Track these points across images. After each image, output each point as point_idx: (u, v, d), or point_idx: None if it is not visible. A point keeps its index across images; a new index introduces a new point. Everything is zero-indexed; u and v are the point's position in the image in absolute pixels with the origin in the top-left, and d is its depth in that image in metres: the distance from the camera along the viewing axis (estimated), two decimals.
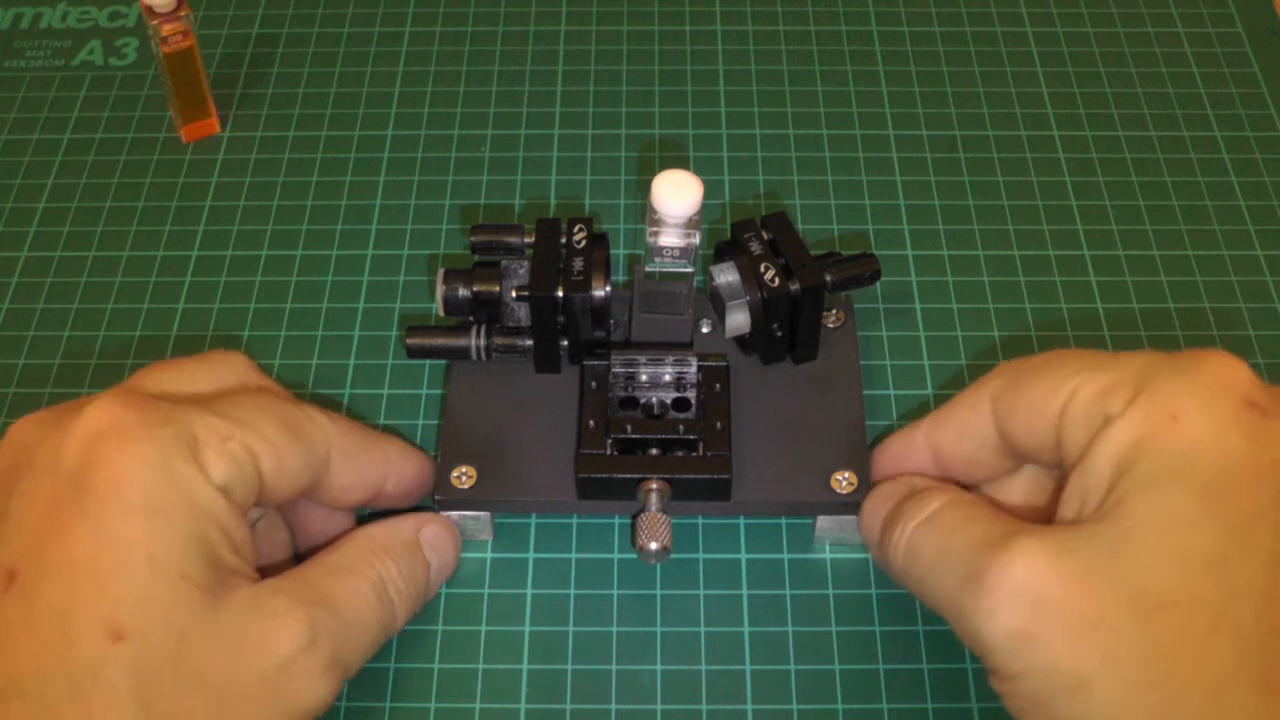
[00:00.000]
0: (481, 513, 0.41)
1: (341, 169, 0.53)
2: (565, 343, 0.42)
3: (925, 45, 0.57)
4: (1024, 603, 0.31)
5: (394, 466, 0.39)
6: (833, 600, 0.40)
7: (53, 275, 0.49)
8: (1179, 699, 0.29)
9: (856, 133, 0.54)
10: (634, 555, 0.41)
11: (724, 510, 0.41)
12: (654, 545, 0.38)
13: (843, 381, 0.42)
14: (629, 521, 0.42)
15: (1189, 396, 0.32)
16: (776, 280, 0.41)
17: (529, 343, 0.42)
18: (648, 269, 0.41)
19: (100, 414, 0.32)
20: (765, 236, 0.42)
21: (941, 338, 0.47)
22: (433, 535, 0.39)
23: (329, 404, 0.45)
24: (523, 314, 0.42)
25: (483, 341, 0.42)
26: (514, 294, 0.41)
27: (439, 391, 0.45)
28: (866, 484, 0.40)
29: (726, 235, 0.43)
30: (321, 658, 0.33)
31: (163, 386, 0.35)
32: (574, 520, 0.42)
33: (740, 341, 0.43)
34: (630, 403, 0.41)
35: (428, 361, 0.46)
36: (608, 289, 0.41)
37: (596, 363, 0.41)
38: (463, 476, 0.40)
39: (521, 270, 0.42)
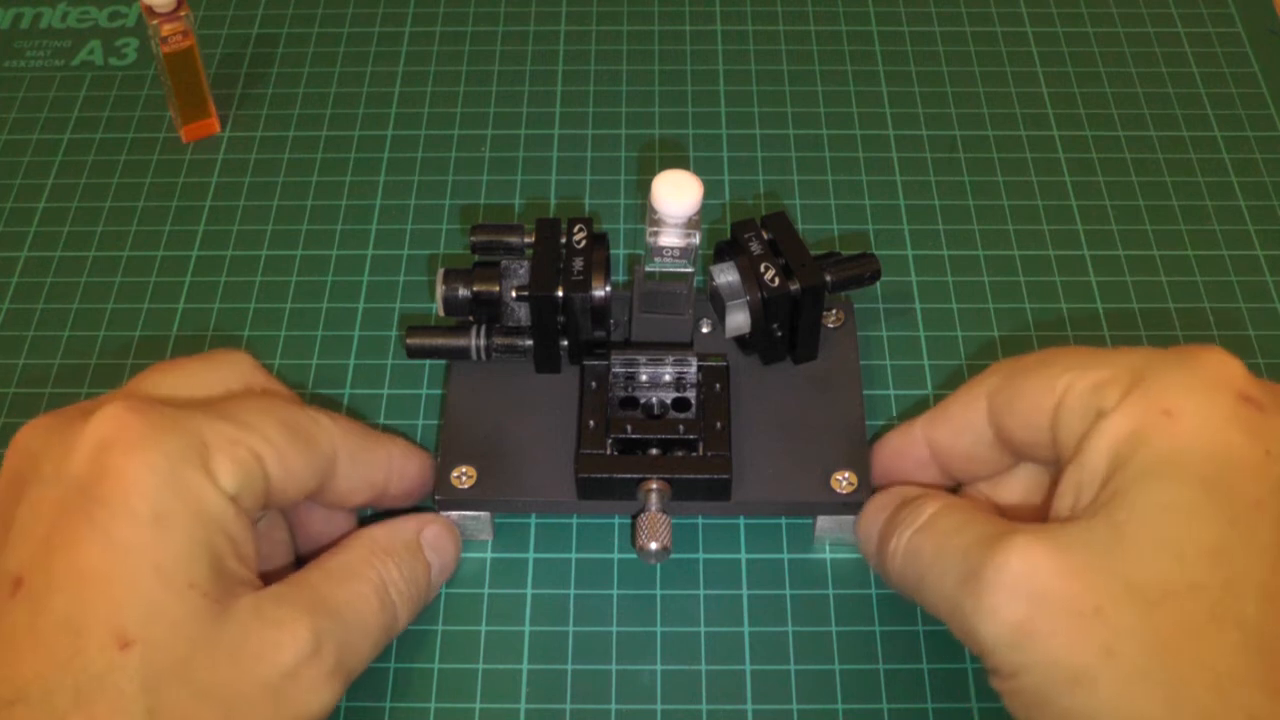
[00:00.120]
0: (481, 513, 0.41)
1: (341, 169, 0.53)
2: (565, 343, 0.42)
3: (925, 45, 0.57)
4: (1021, 598, 0.31)
5: (397, 467, 0.39)
6: (833, 600, 0.40)
7: (53, 275, 0.49)
8: (1180, 690, 0.29)
9: (856, 133, 0.54)
10: (634, 555, 0.41)
11: (724, 510, 0.41)
12: (654, 545, 0.38)
13: (843, 381, 0.42)
14: (629, 521, 0.42)
15: (1184, 391, 0.32)
16: (776, 280, 0.41)
17: (529, 343, 0.42)
18: (648, 269, 0.41)
19: (108, 422, 0.32)
20: (765, 236, 0.42)
21: (941, 338, 0.47)
22: (433, 536, 0.39)
23: (329, 404, 0.45)
24: (523, 314, 0.42)
25: (483, 341, 0.42)
26: (514, 294, 0.41)
27: (439, 391, 0.45)
28: (867, 484, 0.40)
29: (726, 235, 0.43)
30: (325, 664, 0.33)
31: (167, 389, 0.35)
32: (574, 520, 0.42)
33: (740, 341, 0.43)
34: (630, 403, 0.41)
35: (428, 361, 0.46)
36: (608, 289, 0.41)
37: (596, 363, 0.41)
38: (463, 476, 0.40)
39: (521, 270, 0.42)
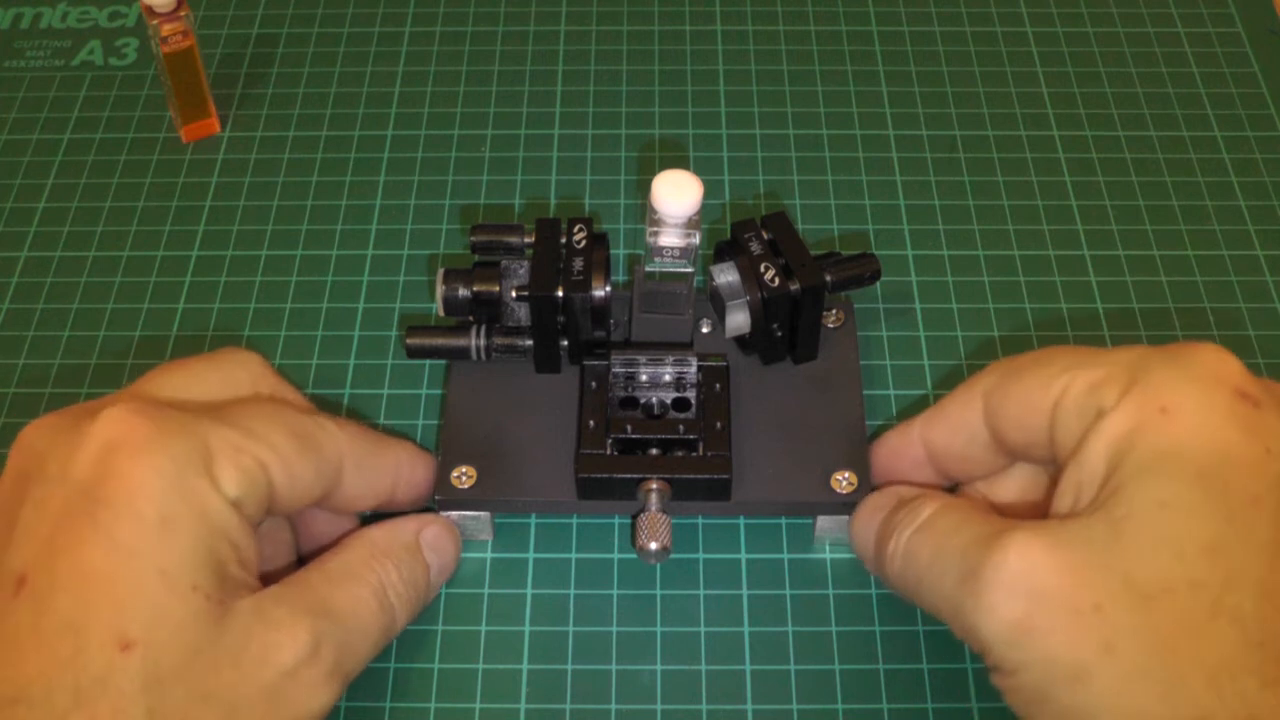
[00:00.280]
0: (481, 513, 0.41)
1: (341, 169, 0.53)
2: (565, 343, 0.42)
3: (925, 45, 0.57)
4: (1020, 594, 0.31)
5: (404, 474, 0.39)
6: (833, 600, 0.40)
7: (53, 275, 0.49)
8: (1178, 686, 0.29)
9: (856, 133, 0.54)
10: (634, 555, 0.41)
11: (724, 510, 0.41)
12: (654, 545, 0.38)
13: (843, 381, 0.42)
14: (629, 521, 0.42)
15: (1181, 388, 0.32)
16: (776, 280, 0.41)
17: (529, 343, 0.42)
18: (648, 269, 0.41)
19: (113, 424, 0.32)
20: (765, 236, 0.42)
21: (941, 338, 0.47)
22: (433, 537, 0.39)
23: (329, 404, 0.45)
24: (523, 314, 0.42)
25: (483, 341, 0.42)
26: (514, 294, 0.41)
27: (439, 391, 0.45)
28: (867, 484, 0.40)
29: (726, 235, 0.43)
30: (324, 666, 0.33)
31: (174, 390, 0.35)
32: (574, 520, 0.42)
33: (740, 341, 0.43)
34: (630, 403, 0.41)
35: (428, 361, 0.46)
36: (608, 289, 0.41)
37: (596, 363, 0.41)
38: (463, 476, 0.40)
39: (521, 270, 0.42)
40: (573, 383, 0.42)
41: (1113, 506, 0.31)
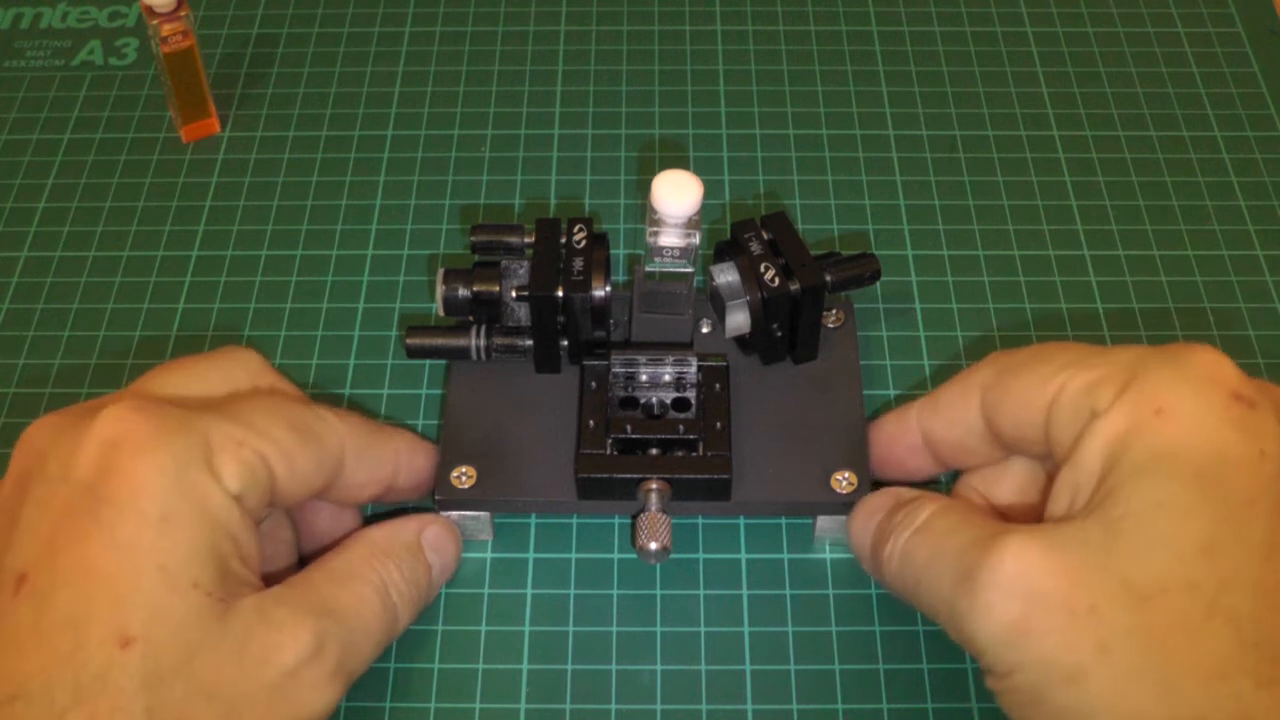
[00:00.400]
0: (481, 513, 0.41)
1: (341, 169, 0.53)
2: (565, 343, 0.42)
3: (925, 45, 0.57)
4: (1015, 596, 0.31)
5: (405, 461, 0.39)
6: (833, 600, 0.40)
7: (53, 275, 0.49)
8: (1174, 687, 0.30)
9: (856, 133, 0.54)
10: (634, 555, 0.41)
11: (724, 510, 0.41)
12: (654, 545, 0.38)
13: (843, 381, 0.42)
14: (629, 521, 0.42)
15: (1176, 389, 0.32)
16: (776, 280, 0.41)
17: (529, 343, 0.42)
18: (648, 269, 0.41)
19: (115, 422, 0.32)
20: (765, 236, 0.42)
21: (941, 338, 0.47)
22: (434, 536, 0.39)
23: (329, 404, 0.45)
24: (523, 314, 0.42)
25: (483, 341, 0.42)
26: (514, 294, 0.41)
27: (439, 391, 0.45)
28: (867, 484, 0.40)
29: (726, 235, 0.43)
30: (327, 666, 0.33)
31: (174, 389, 0.35)
32: (574, 520, 0.42)
33: (740, 341, 0.43)
34: (630, 403, 0.41)
35: (428, 361, 0.46)
36: (608, 289, 0.41)
37: (596, 363, 0.41)
38: (463, 476, 0.40)
39: (521, 270, 0.42)
40: (573, 383, 0.42)
41: (1109, 507, 0.31)
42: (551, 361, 0.42)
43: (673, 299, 0.42)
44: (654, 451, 0.40)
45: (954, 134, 0.54)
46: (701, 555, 0.41)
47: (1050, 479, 0.36)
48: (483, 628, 0.40)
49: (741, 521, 0.42)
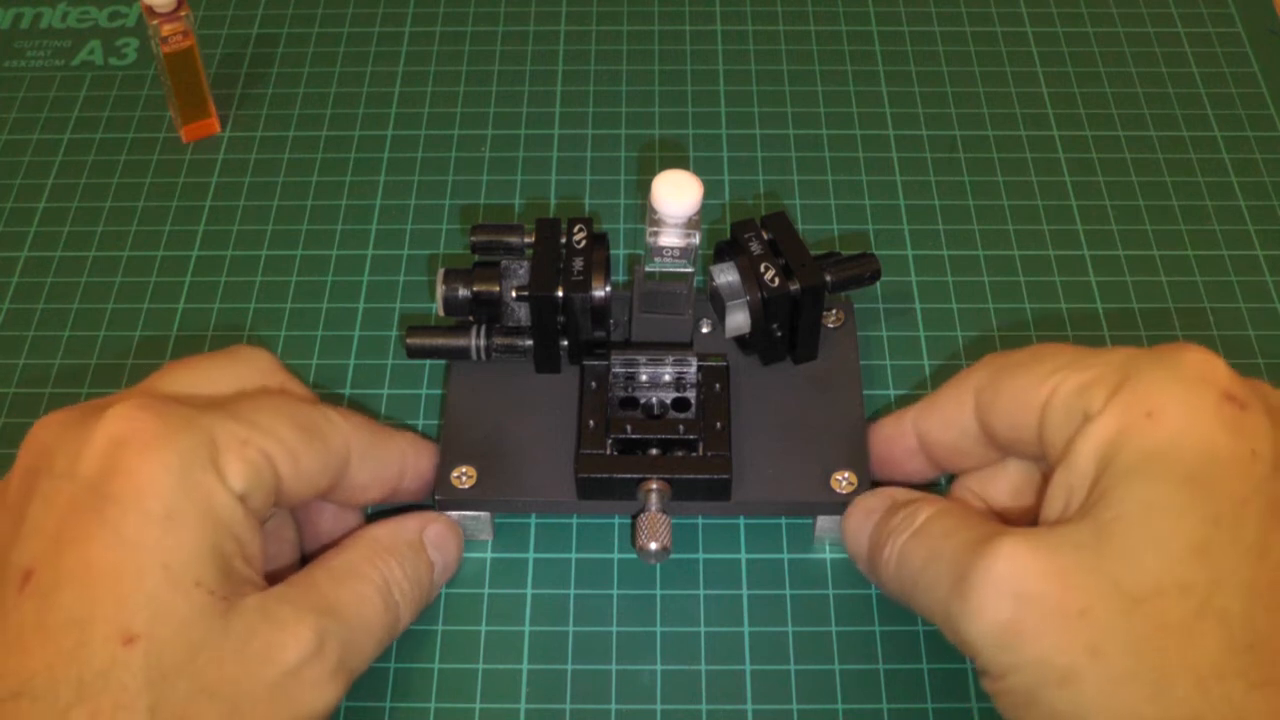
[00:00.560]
0: (481, 513, 0.41)
1: (341, 169, 0.53)
2: (565, 343, 0.42)
3: (925, 45, 0.57)
4: (1008, 598, 0.31)
5: (410, 463, 0.39)
6: (833, 600, 0.40)
7: (53, 275, 0.49)
8: (1166, 688, 0.30)
9: (856, 133, 0.54)
10: (634, 555, 0.41)
11: (724, 510, 0.41)
12: (654, 545, 0.38)
13: (843, 381, 0.43)
14: (629, 521, 0.42)
15: (1168, 390, 0.32)
16: (776, 280, 0.41)
17: (529, 343, 0.42)
18: (648, 269, 0.41)
19: (121, 420, 0.32)
20: (765, 236, 0.42)
21: (941, 338, 0.47)
22: (436, 535, 0.39)
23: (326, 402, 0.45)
24: (523, 314, 0.42)
25: (483, 341, 0.42)
26: (514, 294, 0.41)
27: (439, 391, 0.45)
28: (866, 484, 0.40)
29: (726, 235, 0.43)
30: (328, 664, 0.34)
31: (183, 387, 0.35)
32: (574, 520, 0.42)
33: (740, 341, 0.43)
34: (630, 403, 0.41)
35: (428, 361, 0.46)
36: (608, 289, 0.41)
37: (596, 363, 0.41)
38: (463, 476, 0.40)
39: (521, 270, 0.42)
40: (573, 383, 0.42)
41: (1101, 510, 0.31)
42: (551, 361, 0.42)
43: (673, 299, 0.42)
44: (654, 451, 0.40)
45: (954, 134, 0.54)
46: (701, 555, 0.41)
47: (1045, 480, 0.36)
48: (483, 628, 0.40)
49: (741, 521, 0.42)
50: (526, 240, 0.42)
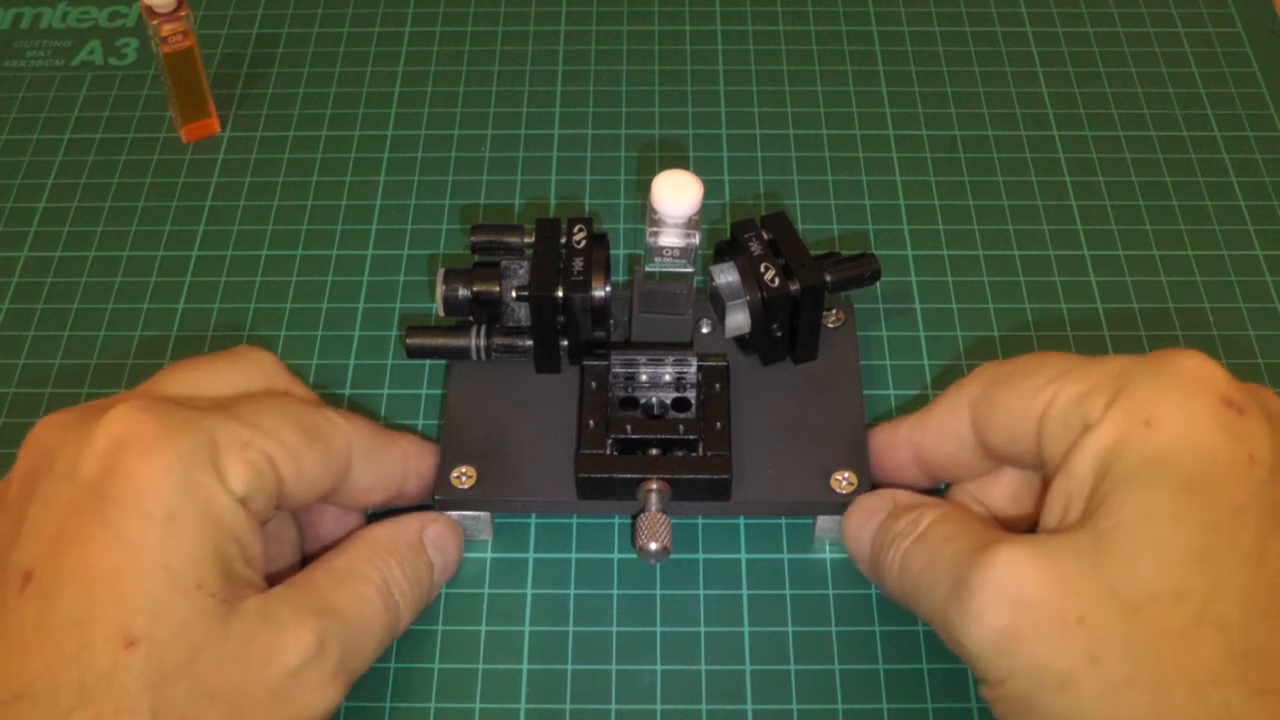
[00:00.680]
0: (481, 513, 0.41)
1: (341, 169, 0.53)
2: (565, 343, 0.42)
3: (925, 45, 0.57)
4: (1006, 604, 0.31)
5: (413, 466, 0.39)
6: (833, 600, 0.40)
7: (53, 275, 0.49)
8: (1164, 695, 0.30)
9: (856, 133, 0.54)
10: (634, 555, 0.41)
11: (724, 510, 0.41)
12: (654, 545, 0.38)
13: (843, 381, 0.42)
14: (629, 521, 0.42)
15: (1165, 397, 0.32)
16: (776, 280, 0.41)
17: (529, 343, 0.42)
18: (648, 269, 0.41)
19: (122, 421, 0.32)
20: (765, 236, 0.42)
21: (941, 338, 0.47)
22: (436, 535, 0.39)
23: (329, 404, 0.45)
24: (523, 314, 0.42)
25: (483, 341, 0.42)
26: (514, 294, 0.41)
27: (439, 391, 0.45)
28: (866, 484, 0.40)
29: (726, 235, 0.43)
30: (329, 666, 0.34)
31: (186, 388, 0.35)
32: (574, 520, 0.42)
33: (740, 341, 0.43)
34: (630, 403, 0.41)
35: (428, 361, 0.46)
36: (608, 289, 0.41)
37: (596, 363, 0.41)
38: (463, 476, 0.40)
39: (521, 270, 0.42)
40: (573, 383, 0.42)
41: (1099, 517, 0.31)
42: (551, 361, 0.42)
43: (673, 299, 0.42)
44: (654, 451, 0.40)
45: (954, 134, 0.54)
46: (701, 555, 0.41)
47: (1044, 486, 0.36)
48: (483, 628, 0.40)
49: (741, 521, 0.42)
50: (526, 240, 0.42)
